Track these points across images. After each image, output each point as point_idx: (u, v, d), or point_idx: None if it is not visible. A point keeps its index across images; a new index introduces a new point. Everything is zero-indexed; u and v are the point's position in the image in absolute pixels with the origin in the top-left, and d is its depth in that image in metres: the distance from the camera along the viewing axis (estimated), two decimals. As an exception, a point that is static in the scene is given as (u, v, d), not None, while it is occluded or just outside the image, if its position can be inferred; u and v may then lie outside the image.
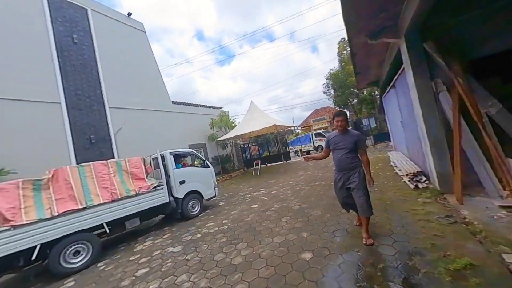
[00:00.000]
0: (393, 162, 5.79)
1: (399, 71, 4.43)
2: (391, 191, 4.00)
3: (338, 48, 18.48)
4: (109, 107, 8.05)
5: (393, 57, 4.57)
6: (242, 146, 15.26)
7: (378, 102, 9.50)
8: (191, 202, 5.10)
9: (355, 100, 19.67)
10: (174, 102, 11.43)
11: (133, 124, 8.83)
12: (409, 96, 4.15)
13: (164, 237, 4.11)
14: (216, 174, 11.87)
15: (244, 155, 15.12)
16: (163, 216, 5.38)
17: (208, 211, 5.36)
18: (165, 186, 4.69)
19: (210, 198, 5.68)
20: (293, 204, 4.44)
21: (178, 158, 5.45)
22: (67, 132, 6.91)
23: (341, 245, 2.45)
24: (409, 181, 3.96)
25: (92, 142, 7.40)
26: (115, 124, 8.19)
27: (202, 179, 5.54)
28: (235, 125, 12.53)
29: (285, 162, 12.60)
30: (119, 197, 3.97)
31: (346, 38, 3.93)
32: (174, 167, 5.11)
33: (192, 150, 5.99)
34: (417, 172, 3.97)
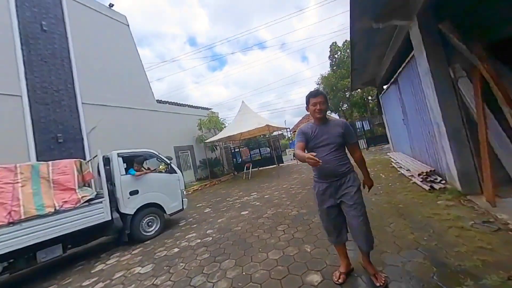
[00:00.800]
0: (396, 162, 5.38)
1: (404, 63, 4.06)
2: (400, 194, 3.52)
3: (330, 51, 18.59)
4: (82, 103, 7.17)
5: (397, 47, 4.22)
6: (232, 149, 14.56)
7: (376, 102, 9.28)
8: (146, 219, 3.90)
9: (345, 105, 19.72)
10: (159, 101, 10.65)
11: (111, 123, 7.96)
12: (417, 88, 3.76)
13: (133, 252, 3.34)
14: (204, 178, 11.18)
15: (234, 159, 14.42)
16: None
17: (190, 219, 4.62)
18: (106, 198, 3.49)
19: (176, 212, 4.40)
20: (289, 209, 3.84)
21: (132, 161, 4.19)
22: (28, 129, 5.96)
23: (357, 261, 1.86)
24: (421, 181, 3.49)
25: (59, 142, 6.45)
26: (89, 122, 7.30)
27: (165, 189, 4.30)
28: (225, 127, 11.89)
29: (277, 165, 12.04)
30: (23, 217, 2.74)
31: (349, 21, 3.50)
32: (123, 172, 3.91)
33: (152, 151, 4.64)
34: (430, 171, 3.52)
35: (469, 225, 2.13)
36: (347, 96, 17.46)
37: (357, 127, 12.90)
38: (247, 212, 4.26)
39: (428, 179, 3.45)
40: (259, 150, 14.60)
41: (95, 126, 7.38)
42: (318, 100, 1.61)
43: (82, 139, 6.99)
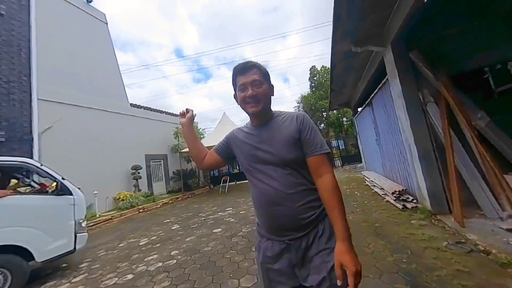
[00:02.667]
0: (370, 181, 5.56)
1: (379, 86, 4.36)
2: (376, 212, 3.53)
3: (310, 73, 19.86)
4: (38, 99, 6.26)
5: (373, 71, 4.53)
6: (210, 161, 13.98)
7: (350, 123, 9.86)
8: None
9: (322, 125, 20.80)
10: (133, 105, 9.94)
11: (74, 124, 7.07)
12: (390, 110, 4.00)
13: (74, 280, 2.70)
14: (177, 191, 10.35)
15: (213, 171, 13.81)
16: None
17: (154, 237, 4.04)
18: None
19: (60, 256, 2.84)
20: (267, 227, 3.58)
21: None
22: (-42, 123, 4.92)
23: None
24: (394, 200, 3.57)
25: (0, 141, 5.43)
26: (45, 121, 6.37)
27: (37, 221, 2.75)
28: (204, 137, 11.46)
29: (255, 180, 11.79)
30: None
31: (331, 42, 3.67)
32: None
33: (29, 161, 3.19)
34: (402, 190, 3.63)
35: (444, 246, 2.12)
36: (325, 116, 18.48)
37: (333, 145, 13.49)
38: (220, 229, 3.88)
39: (400, 198, 3.53)
40: (237, 163, 14.27)
41: (51, 126, 6.45)
42: (249, 79, 0.85)
43: (32, 139, 6.00)
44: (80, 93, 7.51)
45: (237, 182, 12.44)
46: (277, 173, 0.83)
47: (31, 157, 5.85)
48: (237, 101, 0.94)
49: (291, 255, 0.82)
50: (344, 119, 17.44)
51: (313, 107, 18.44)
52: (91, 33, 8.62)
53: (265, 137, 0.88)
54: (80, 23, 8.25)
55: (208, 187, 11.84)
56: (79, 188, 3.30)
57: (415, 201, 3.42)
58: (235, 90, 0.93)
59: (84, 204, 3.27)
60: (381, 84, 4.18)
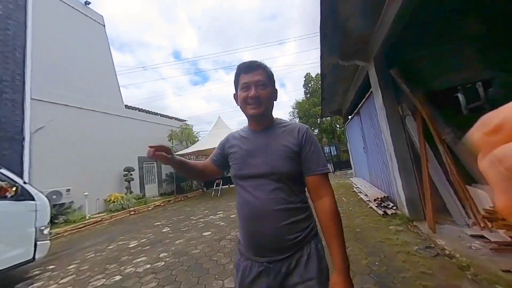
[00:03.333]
0: (357, 187, 5.76)
1: (365, 97, 4.60)
2: (359, 218, 3.71)
3: (305, 80, 20.29)
4: (31, 99, 6.27)
5: (360, 83, 4.78)
6: (204, 164, 14.01)
7: (342, 130, 10.14)
8: None
9: (316, 130, 21.17)
10: (128, 107, 9.96)
11: (66, 124, 7.06)
12: (375, 121, 4.23)
13: (61, 281, 2.74)
14: (169, 194, 10.33)
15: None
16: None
17: (144, 240, 4.09)
18: None
19: (17, 266, 2.63)
20: (255, 231, 3.70)
21: None
22: None
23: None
24: (377, 206, 3.76)
25: (-10, 140, 5.40)
26: (38, 121, 6.35)
27: None
28: (198, 140, 11.53)
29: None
30: None
31: (319, 57, 3.89)
32: None
33: None
34: (384, 197, 3.83)
35: (414, 250, 2.30)
36: (318, 122, 18.84)
37: (326, 151, 13.76)
38: (209, 233, 3.97)
39: (382, 205, 3.73)
40: (232, 167, 14.36)
41: (43, 126, 6.43)
42: (254, 79, 0.79)
43: (23, 139, 5.97)
44: (75, 94, 7.51)
45: (230, 186, 12.49)
46: (266, 186, 0.75)
47: (21, 157, 5.82)
48: (236, 101, 0.88)
49: (269, 280, 0.73)
50: (338, 125, 17.84)
51: (307, 113, 18.80)
52: (88, 34, 8.67)
53: (261, 144, 0.81)
54: (77, 25, 8.30)
55: (201, 190, 11.85)
56: (42, 193, 3.16)
57: (395, 207, 3.62)
58: (236, 89, 0.86)
59: (47, 210, 3.09)
60: (367, 95, 4.42)
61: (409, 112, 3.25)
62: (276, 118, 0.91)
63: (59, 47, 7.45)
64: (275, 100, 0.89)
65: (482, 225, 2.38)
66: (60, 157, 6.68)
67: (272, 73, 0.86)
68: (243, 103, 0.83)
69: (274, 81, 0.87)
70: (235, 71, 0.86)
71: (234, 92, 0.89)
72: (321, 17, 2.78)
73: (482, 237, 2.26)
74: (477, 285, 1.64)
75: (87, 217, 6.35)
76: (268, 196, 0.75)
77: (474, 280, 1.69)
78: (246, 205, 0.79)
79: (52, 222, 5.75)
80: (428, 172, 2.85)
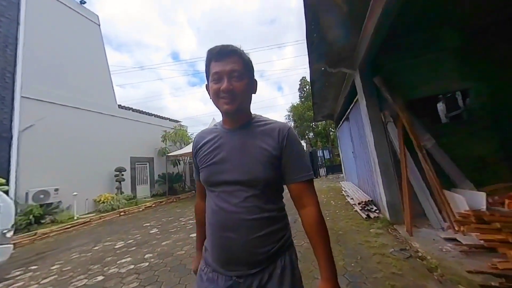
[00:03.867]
0: (345, 191, 5.88)
1: (353, 103, 4.74)
2: (343, 221, 3.80)
3: (300, 85, 20.58)
4: (21, 96, 6.20)
5: (348, 89, 4.92)
6: (198, 165, 13.98)
7: (335, 134, 10.31)
8: None
9: (311, 134, 21.42)
10: (121, 107, 9.92)
11: (57, 123, 6.99)
12: (361, 126, 4.36)
13: (44, 281, 2.72)
14: (161, 195, 10.25)
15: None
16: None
17: (130, 240, 4.08)
18: None
19: None
20: (241, 233, 3.74)
21: None
22: None
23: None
24: (360, 210, 3.86)
25: (-23, 138, 5.31)
26: (28, 119, 6.28)
27: None
28: (192, 141, 11.53)
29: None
30: None
31: (308, 63, 4.01)
32: None
33: None
34: (368, 201, 3.93)
35: (389, 252, 2.39)
36: (313, 126, 19.09)
37: (319, 155, 13.92)
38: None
39: (366, 208, 3.83)
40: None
41: (33, 124, 6.35)
42: (226, 68, 0.68)
43: (11, 137, 5.89)
44: (67, 93, 7.46)
45: (224, 188, 12.50)
46: (240, 193, 0.68)
47: (8, 156, 5.74)
48: (209, 94, 0.74)
49: None
50: (331, 130, 18.09)
51: (302, 117, 19.02)
52: (83, 33, 8.65)
53: (235, 145, 0.72)
54: (71, 23, 8.28)
55: (194, 191, 11.81)
56: (6, 193, 2.99)
57: (378, 211, 3.73)
58: (207, 79, 0.73)
59: (11, 212, 2.97)
60: (354, 102, 4.56)
61: (391, 119, 3.38)
62: (255, 114, 0.79)
63: (52, 45, 7.41)
64: (254, 93, 0.76)
65: (456, 228, 2.49)
66: (49, 156, 6.60)
67: (249, 60, 0.73)
68: (215, 96, 0.70)
69: (252, 70, 0.74)
70: (205, 58, 0.72)
71: (206, 83, 0.75)
72: (306, 27, 2.90)
73: (454, 240, 2.37)
74: (441, 285, 1.73)
75: (75, 218, 6.27)
76: (242, 204, 0.67)
77: (439, 281, 1.78)
78: (217, 213, 0.70)
79: (39, 222, 5.67)
80: (407, 177, 2.97)
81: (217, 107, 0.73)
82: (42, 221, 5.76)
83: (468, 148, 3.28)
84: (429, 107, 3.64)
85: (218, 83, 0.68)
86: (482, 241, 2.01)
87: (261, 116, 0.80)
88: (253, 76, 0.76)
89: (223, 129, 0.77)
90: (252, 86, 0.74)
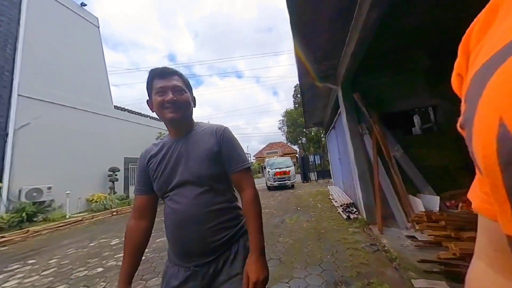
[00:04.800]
0: (332, 194, 6.27)
1: (337, 114, 5.17)
2: (326, 221, 4.16)
3: (294, 91, 21.21)
4: (19, 95, 6.30)
5: (333, 101, 5.36)
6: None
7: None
8: None
9: (304, 139, 22.00)
10: (117, 107, 10.04)
11: (53, 122, 7.08)
12: (344, 135, 4.78)
13: (45, 273, 2.90)
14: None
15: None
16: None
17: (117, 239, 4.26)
18: None
19: None
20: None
21: None
22: None
23: (271, 276, 2.19)
24: (342, 211, 4.23)
25: (-27, 135, 5.37)
26: (24, 117, 6.36)
27: None
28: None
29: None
30: None
31: (297, 76, 4.41)
32: None
33: None
34: (349, 203, 4.32)
35: (361, 247, 2.75)
36: (305, 132, 19.65)
37: (310, 160, 14.38)
38: (190, 232, 4.24)
39: (347, 210, 4.21)
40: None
41: (28, 123, 6.44)
42: (170, 83, 0.80)
43: (7, 135, 5.96)
44: (64, 93, 7.57)
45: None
46: (191, 191, 0.76)
47: (3, 154, 5.80)
48: (151, 108, 0.84)
49: (196, 284, 0.74)
50: (323, 136, 18.73)
51: (295, 122, 19.57)
52: (82, 35, 8.81)
53: (183, 151, 0.81)
54: (71, 25, 8.43)
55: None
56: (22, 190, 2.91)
57: (357, 212, 4.11)
58: (149, 95, 0.83)
59: None
60: (338, 113, 4.99)
61: (367, 131, 3.80)
62: (197, 122, 0.91)
63: (52, 45, 7.53)
64: (194, 107, 0.89)
65: (416, 227, 2.88)
66: (44, 154, 6.67)
67: (188, 80, 0.87)
68: (159, 108, 0.79)
69: (191, 87, 0.88)
70: (147, 77, 0.82)
71: (148, 99, 0.85)
72: (294, 47, 3.29)
73: (413, 237, 2.76)
74: (396, 271, 2.09)
75: (67, 216, 6.34)
76: (193, 202, 0.75)
77: (396, 268, 2.15)
78: (172, 214, 0.77)
79: (31, 220, 5.73)
80: (378, 183, 3.37)
81: (161, 117, 0.81)
82: (35, 219, 5.82)
83: (434, 157, 3.73)
84: (405, 120, 4.09)
85: (163, 96, 0.78)
86: (431, 237, 2.40)
87: (201, 123, 0.93)
88: (192, 92, 0.89)
89: (169, 140, 0.86)
90: (192, 100, 0.87)
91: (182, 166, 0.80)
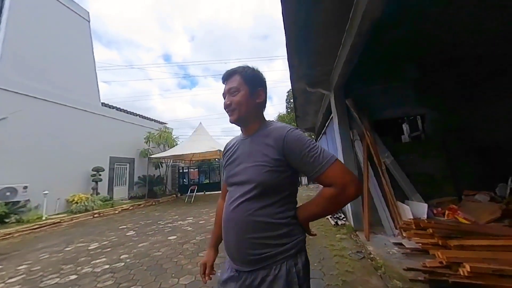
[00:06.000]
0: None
1: (329, 120, 5.21)
2: (315, 227, 4.12)
3: (287, 96, 21.38)
4: (-3, 87, 5.93)
5: (326, 107, 5.41)
6: (181, 169, 13.81)
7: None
8: None
9: (296, 143, 22.17)
10: (105, 104, 9.69)
11: (34, 117, 6.71)
12: (335, 141, 4.82)
13: (11, 280, 2.66)
14: (140, 197, 9.97)
15: (183, 179, 13.61)
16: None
17: (105, 242, 4.04)
18: None
19: None
20: (219, 236, 3.90)
21: None
22: None
23: None
24: (330, 217, 4.22)
25: None
26: (1, 110, 5.97)
27: None
28: (177, 144, 11.46)
29: (224, 191, 11.95)
30: None
31: (290, 82, 4.41)
32: None
33: None
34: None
35: (348, 254, 2.72)
36: (298, 136, 19.85)
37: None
38: (175, 237, 4.07)
39: (335, 216, 4.20)
40: (209, 174, 14.36)
41: (5, 117, 6.05)
42: (227, 87, 0.83)
43: (-20, 129, 5.56)
44: (48, 87, 7.21)
45: (206, 193, 12.45)
46: (239, 194, 0.74)
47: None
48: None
49: (237, 286, 0.72)
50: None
51: (288, 127, 19.72)
52: (70, 28, 8.48)
53: (245, 151, 0.80)
54: (60, 18, 8.11)
55: (175, 195, 11.62)
56: None
57: (345, 219, 4.11)
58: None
59: None
60: (329, 119, 5.03)
61: (358, 137, 3.84)
62: (267, 121, 0.86)
63: (36, 37, 7.19)
64: (259, 101, 0.83)
65: (403, 234, 2.90)
66: (21, 151, 6.28)
67: (251, 74, 0.83)
68: (226, 108, 0.84)
69: (253, 81, 0.82)
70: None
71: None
72: (287, 52, 3.28)
73: (400, 244, 2.77)
74: (381, 280, 2.07)
75: (43, 218, 5.95)
76: (240, 205, 0.73)
77: (381, 276, 2.12)
78: (224, 210, 0.81)
79: (2, 222, 5.33)
80: (368, 189, 3.38)
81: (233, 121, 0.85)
82: (7, 220, 5.42)
83: (422, 165, 3.81)
84: (395, 127, 4.16)
85: (224, 100, 0.84)
86: (419, 244, 2.41)
87: (271, 123, 0.84)
88: (255, 86, 0.83)
89: (240, 138, 0.89)
90: (252, 96, 0.81)
91: (240, 166, 0.79)
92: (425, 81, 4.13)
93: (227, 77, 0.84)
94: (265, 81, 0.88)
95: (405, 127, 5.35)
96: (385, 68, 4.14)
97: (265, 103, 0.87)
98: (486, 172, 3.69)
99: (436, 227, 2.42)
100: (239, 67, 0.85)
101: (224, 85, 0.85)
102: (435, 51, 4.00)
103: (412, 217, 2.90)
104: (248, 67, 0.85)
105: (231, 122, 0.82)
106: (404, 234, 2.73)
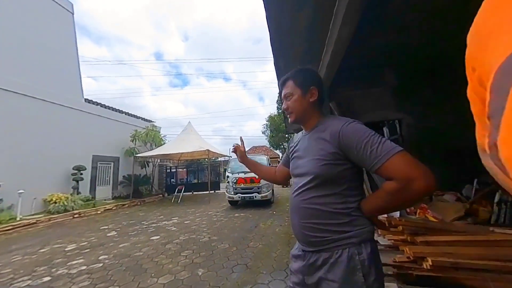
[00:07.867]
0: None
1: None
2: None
3: (278, 97, 21.62)
4: (-33, 80, 5.54)
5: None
6: (169, 169, 13.55)
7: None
8: None
9: (285, 144, 22.44)
10: (88, 101, 9.32)
11: (9, 113, 6.33)
12: (319, 142, 4.97)
13: (-24, 285, 2.52)
14: (125, 197, 9.68)
15: (170, 179, 13.35)
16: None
17: (84, 243, 3.91)
18: None
19: None
20: (202, 236, 3.90)
21: None
22: None
23: (235, 282, 2.15)
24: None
25: None
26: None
27: None
28: (165, 143, 11.24)
29: (213, 191, 11.87)
30: None
31: (277, 83, 4.50)
32: None
33: None
34: (320, 208, 4.45)
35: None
36: (287, 137, 20.06)
37: (290, 165, 14.66)
38: (158, 237, 4.02)
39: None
40: (198, 174, 14.21)
41: (-23, 112, 5.67)
42: (283, 93, 0.92)
43: None
44: (25, 81, 6.83)
45: (194, 193, 12.30)
46: (301, 184, 0.83)
47: None
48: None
49: (302, 264, 0.82)
50: (303, 142, 19.30)
51: (277, 127, 19.89)
52: (52, 20, 8.09)
53: (305, 146, 0.88)
54: (41, 8, 7.71)
55: (161, 195, 11.39)
56: None
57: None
58: (280, 95, 1.04)
59: None
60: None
61: (340, 139, 3.99)
62: (326, 116, 0.91)
63: (14, 29, 6.79)
64: (313, 99, 0.88)
65: (378, 232, 3.06)
66: (-7, 148, 5.91)
67: (302, 77, 0.89)
68: (285, 109, 0.94)
69: (304, 83, 0.88)
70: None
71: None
72: (273, 55, 3.35)
73: (376, 241, 2.92)
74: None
75: (18, 218, 5.64)
76: (300, 194, 0.83)
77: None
78: (290, 198, 0.92)
79: (-30, 223, 4.99)
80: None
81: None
82: (-25, 222, 5.08)
83: (398, 167, 4.02)
84: (376, 130, 4.36)
85: (285, 101, 0.93)
86: (391, 241, 2.56)
87: (327, 118, 0.89)
88: (308, 86, 0.88)
89: (302, 134, 0.97)
90: (304, 96, 0.88)
91: (301, 160, 0.88)
92: (403, 87, 4.37)
93: (282, 83, 0.94)
94: (317, 79, 0.95)
95: (385, 130, 5.62)
96: (366, 74, 4.33)
97: (321, 99, 0.92)
98: (455, 173, 3.97)
99: (405, 224, 2.57)
100: (292, 72, 0.93)
101: (281, 87, 0.95)
102: (413, 59, 4.25)
103: (386, 216, 3.06)
104: (299, 70, 0.93)
105: (291, 122, 0.95)
106: (379, 232, 2.88)
